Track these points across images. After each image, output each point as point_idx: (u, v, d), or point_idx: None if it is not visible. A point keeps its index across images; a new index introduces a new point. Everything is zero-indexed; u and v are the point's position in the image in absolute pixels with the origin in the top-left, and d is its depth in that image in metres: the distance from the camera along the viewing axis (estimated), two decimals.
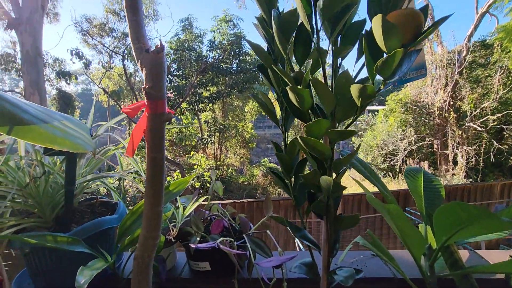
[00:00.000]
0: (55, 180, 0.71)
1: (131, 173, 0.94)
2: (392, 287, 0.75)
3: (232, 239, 0.69)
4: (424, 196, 0.75)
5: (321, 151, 0.45)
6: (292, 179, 0.63)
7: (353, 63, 0.50)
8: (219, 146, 11.07)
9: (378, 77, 0.39)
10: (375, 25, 0.33)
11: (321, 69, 0.49)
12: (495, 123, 8.47)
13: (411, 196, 0.74)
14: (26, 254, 0.61)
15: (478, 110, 8.67)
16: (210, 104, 10.13)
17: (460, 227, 0.50)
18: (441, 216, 0.51)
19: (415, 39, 0.35)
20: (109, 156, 0.84)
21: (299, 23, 0.46)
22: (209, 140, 10.42)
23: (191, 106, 9.49)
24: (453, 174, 8.98)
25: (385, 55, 0.34)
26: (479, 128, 8.64)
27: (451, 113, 9.17)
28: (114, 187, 0.87)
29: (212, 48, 10.20)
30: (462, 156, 8.93)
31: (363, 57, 0.42)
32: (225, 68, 9.93)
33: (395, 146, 10.23)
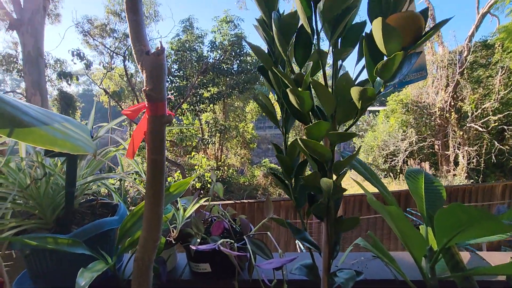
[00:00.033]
0: (55, 181, 0.71)
1: (133, 173, 0.94)
2: None
3: (233, 241, 0.69)
4: (425, 198, 0.74)
5: (321, 153, 0.44)
6: (293, 181, 0.63)
7: (354, 64, 0.50)
8: (220, 147, 11.07)
9: (378, 79, 0.39)
10: (375, 28, 0.33)
11: (321, 70, 0.48)
12: (496, 124, 8.45)
13: (412, 196, 0.74)
14: (26, 256, 0.61)
15: (479, 111, 8.65)
16: (211, 105, 10.14)
17: (461, 229, 0.50)
18: (442, 218, 0.51)
19: (415, 42, 0.35)
20: (110, 157, 0.84)
21: (299, 25, 0.46)
22: (210, 140, 10.43)
23: (192, 106, 9.51)
24: (454, 175, 8.95)
25: (385, 58, 0.34)
26: (480, 129, 8.62)
27: (452, 113, 9.15)
28: (115, 188, 0.87)
29: (213, 49, 10.21)
30: (463, 157, 8.91)
31: (364, 58, 0.42)
32: (226, 68, 9.94)
33: (396, 146, 10.21)
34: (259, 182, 10.66)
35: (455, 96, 9.10)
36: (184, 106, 9.43)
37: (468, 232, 0.50)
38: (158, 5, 11.18)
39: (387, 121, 11.16)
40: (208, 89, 9.88)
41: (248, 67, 10.00)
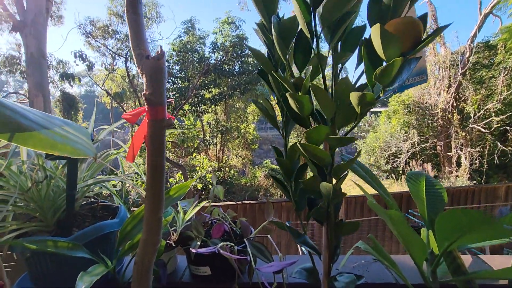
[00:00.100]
0: (56, 184, 0.71)
1: (134, 174, 0.95)
2: None
3: (233, 244, 0.69)
4: (426, 201, 0.74)
5: (321, 157, 0.44)
6: (293, 184, 0.63)
7: (356, 65, 0.49)
8: (221, 148, 11.08)
9: (378, 83, 0.39)
10: (374, 34, 0.33)
11: (321, 75, 0.48)
12: (499, 125, 8.40)
13: (413, 199, 0.73)
14: (27, 258, 0.62)
15: (481, 112, 8.60)
16: (213, 106, 10.16)
17: (462, 233, 0.50)
18: (443, 222, 0.51)
19: (415, 48, 0.35)
20: (112, 159, 0.84)
21: (299, 29, 0.46)
22: (211, 141, 10.44)
23: (193, 107, 9.52)
24: (456, 176, 8.91)
25: (384, 63, 0.34)
26: (483, 130, 8.57)
27: (454, 114, 9.11)
28: (116, 190, 0.87)
29: (214, 50, 10.23)
30: (465, 158, 8.86)
31: (363, 63, 0.41)
32: (227, 69, 9.95)
33: (398, 147, 10.18)
34: (260, 183, 10.64)
35: (457, 97, 9.07)
36: (186, 107, 9.45)
37: (469, 236, 0.50)
38: (160, 6, 11.23)
39: (389, 122, 11.13)
40: (210, 90, 9.89)
41: (250, 68, 10.01)
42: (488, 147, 8.70)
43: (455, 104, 9.08)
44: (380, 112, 12.88)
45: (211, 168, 9.48)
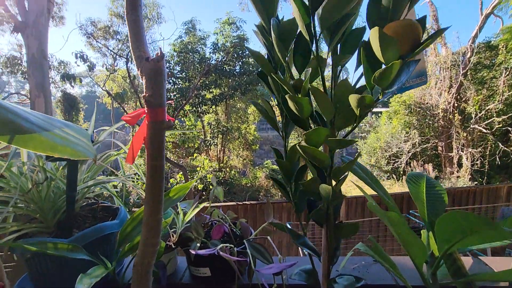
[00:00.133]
0: (57, 185, 0.71)
1: (134, 175, 0.95)
2: None
3: (232, 245, 0.69)
4: (426, 202, 0.74)
5: (320, 159, 0.44)
6: (293, 185, 0.63)
7: (355, 67, 0.49)
8: (222, 148, 11.09)
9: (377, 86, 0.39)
10: (372, 37, 0.33)
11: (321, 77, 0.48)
12: (501, 125, 8.37)
13: (414, 201, 0.73)
14: (27, 260, 0.62)
15: (483, 112, 8.58)
16: (213, 106, 10.17)
17: (462, 236, 0.50)
18: (443, 225, 0.51)
19: (414, 50, 0.35)
20: (112, 160, 0.84)
21: (298, 31, 0.46)
22: (212, 142, 10.45)
23: (194, 108, 9.53)
24: (458, 177, 8.89)
25: (383, 66, 0.34)
26: (484, 130, 8.55)
27: (455, 115, 9.09)
28: (117, 190, 0.87)
29: (215, 50, 10.24)
30: (467, 158, 8.84)
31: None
32: (228, 70, 9.96)
33: (399, 148, 10.16)
34: (261, 184, 10.65)
35: (458, 97, 9.05)
36: (187, 107, 9.46)
37: (469, 238, 0.50)
38: (160, 7, 11.26)
39: (390, 122, 11.11)
40: (211, 90, 9.90)
41: (250, 68, 10.01)
42: (489, 147, 8.68)
43: (456, 105, 9.06)
44: (381, 112, 12.86)
45: (211, 169, 9.48)
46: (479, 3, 8.71)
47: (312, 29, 0.42)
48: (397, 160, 10.20)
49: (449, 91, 9.08)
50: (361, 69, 0.47)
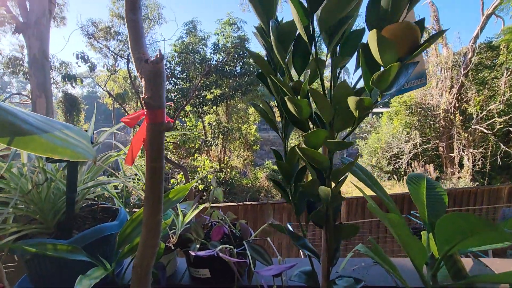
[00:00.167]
0: (57, 186, 0.71)
1: (135, 175, 0.95)
2: None
3: (232, 247, 0.69)
4: (426, 204, 0.74)
5: (319, 161, 0.44)
6: (292, 187, 0.63)
7: (354, 68, 0.49)
8: (223, 149, 11.09)
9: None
10: (371, 39, 0.33)
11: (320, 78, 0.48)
12: (502, 126, 8.35)
13: (414, 202, 0.73)
14: (27, 261, 0.62)
15: (484, 113, 8.56)
16: (214, 107, 10.17)
17: (462, 238, 0.50)
18: (443, 226, 0.51)
19: (412, 52, 0.35)
20: (112, 161, 0.84)
21: (297, 33, 0.46)
22: (212, 142, 10.45)
23: (195, 108, 9.54)
24: (459, 177, 8.86)
25: (382, 68, 0.34)
26: (485, 131, 8.53)
27: (456, 115, 9.07)
28: (117, 191, 0.87)
29: (216, 51, 10.25)
30: (468, 159, 8.82)
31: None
32: (229, 70, 9.97)
33: (400, 148, 10.14)
34: (261, 184, 10.64)
35: (459, 97, 9.03)
36: (187, 108, 9.46)
37: (469, 241, 0.50)
38: (161, 7, 11.27)
39: (391, 123, 11.09)
40: (211, 91, 9.91)
41: (251, 69, 10.01)
42: (490, 148, 8.65)
43: (457, 105, 9.04)
44: (381, 113, 12.84)
45: (212, 169, 9.49)
46: (480, 3, 8.70)
47: (311, 31, 0.42)
48: (398, 160, 10.18)
49: (450, 92, 9.06)
50: (360, 71, 0.47)
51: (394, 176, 10.39)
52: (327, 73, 0.50)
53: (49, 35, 5.79)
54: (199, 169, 9.25)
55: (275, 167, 11.76)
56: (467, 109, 8.95)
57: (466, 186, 7.63)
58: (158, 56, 0.47)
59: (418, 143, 9.82)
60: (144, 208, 0.50)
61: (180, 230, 0.71)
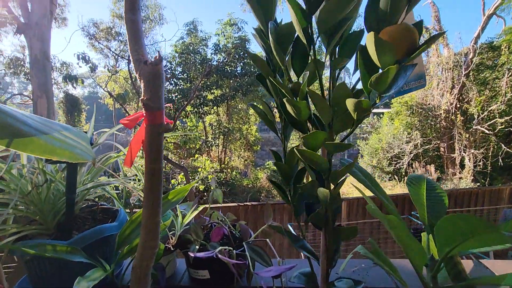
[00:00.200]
0: (56, 187, 0.71)
1: (134, 176, 0.95)
2: None
3: (231, 248, 0.69)
4: (426, 205, 0.73)
5: (318, 162, 0.44)
6: (292, 188, 0.63)
7: (353, 70, 0.49)
8: (224, 149, 11.09)
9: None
10: (368, 42, 0.33)
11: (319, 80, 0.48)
12: (503, 126, 8.33)
13: (414, 204, 0.73)
14: (26, 262, 0.62)
15: (485, 113, 8.54)
16: (215, 107, 10.17)
17: (462, 239, 0.50)
18: (442, 228, 0.50)
19: (410, 55, 0.35)
20: (113, 162, 0.85)
21: (296, 35, 0.46)
22: (213, 143, 10.46)
23: (195, 109, 9.54)
24: (460, 178, 8.84)
25: (380, 70, 0.34)
26: (486, 131, 8.50)
27: (458, 115, 9.05)
28: (118, 192, 0.88)
29: (216, 51, 10.26)
30: (469, 160, 8.79)
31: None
32: (229, 71, 9.97)
33: (401, 149, 10.12)
34: (262, 185, 10.64)
35: (460, 98, 9.01)
36: (188, 108, 9.47)
37: (469, 242, 0.49)
38: (162, 8, 11.29)
39: (392, 123, 11.08)
40: (212, 91, 9.92)
41: (252, 69, 10.01)
42: (492, 148, 8.62)
43: (458, 106, 9.02)
44: (382, 113, 12.83)
45: (213, 170, 9.49)
46: (481, 3, 8.68)
47: (310, 32, 0.42)
48: (399, 161, 10.16)
49: (451, 92, 9.05)
50: (359, 73, 0.47)
51: (395, 176, 10.37)
52: (327, 73, 0.50)
53: (50, 36, 5.81)
54: (199, 169, 9.25)
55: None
56: (468, 110, 8.93)
57: (467, 187, 7.61)
58: (157, 57, 0.47)
59: (419, 144, 9.80)
60: (143, 210, 0.50)
61: (180, 231, 0.71)
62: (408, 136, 10.12)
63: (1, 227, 0.64)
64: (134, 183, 0.89)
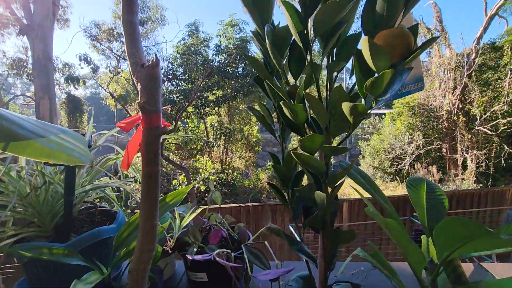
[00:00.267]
0: (55, 189, 0.71)
1: (133, 178, 0.95)
2: None
3: (229, 251, 0.68)
4: (426, 208, 0.73)
5: (315, 166, 0.44)
6: (290, 191, 0.62)
7: (350, 74, 0.49)
8: (225, 150, 11.10)
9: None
10: (363, 46, 0.33)
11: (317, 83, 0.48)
12: (506, 127, 8.28)
13: (414, 207, 0.72)
14: (25, 264, 0.62)
15: (488, 114, 8.49)
16: (216, 108, 10.18)
17: (461, 243, 0.49)
18: (441, 233, 0.50)
19: (405, 58, 0.34)
20: (112, 163, 0.85)
21: (292, 38, 0.46)
22: (214, 143, 10.46)
23: (197, 109, 9.56)
24: (462, 179, 8.79)
25: (376, 74, 0.34)
26: (489, 132, 8.46)
27: (460, 116, 9.01)
28: (118, 193, 0.88)
29: (218, 52, 10.28)
30: (471, 161, 8.75)
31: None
32: (231, 72, 9.98)
33: (403, 150, 10.08)
34: (263, 185, 10.63)
35: (463, 99, 8.97)
36: (190, 109, 9.49)
37: (468, 246, 0.49)
38: (164, 9, 11.34)
39: (393, 124, 11.04)
40: (213, 92, 9.93)
41: (253, 70, 10.00)
42: (494, 149, 8.57)
43: (460, 106, 8.98)
44: (384, 114, 12.79)
45: (214, 170, 9.49)
46: (483, 4, 8.64)
47: (306, 36, 0.42)
48: (400, 162, 10.12)
49: (453, 93, 9.01)
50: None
51: (397, 177, 10.33)
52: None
53: (53, 37, 5.84)
54: (201, 170, 9.26)
55: None
56: (471, 110, 8.89)
57: (469, 188, 7.57)
58: (154, 60, 0.47)
59: (421, 145, 9.76)
60: (140, 212, 0.50)
61: (178, 233, 0.71)
62: (410, 137, 10.08)
63: (0, 229, 0.64)
64: (135, 184, 0.89)
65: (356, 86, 0.48)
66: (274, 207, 4.72)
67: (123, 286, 0.69)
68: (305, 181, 0.64)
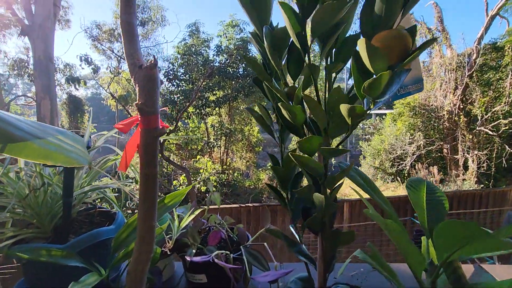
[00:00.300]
0: (54, 191, 0.71)
1: (132, 179, 0.95)
2: None
3: (228, 252, 0.68)
4: (426, 209, 0.73)
5: (314, 167, 0.44)
6: (289, 192, 0.62)
7: (348, 75, 0.49)
8: (225, 150, 11.09)
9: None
10: (360, 48, 0.33)
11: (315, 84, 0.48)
12: (507, 127, 8.25)
13: (414, 208, 0.72)
14: (23, 265, 0.62)
15: (489, 114, 8.47)
16: (217, 108, 10.19)
17: (461, 245, 0.49)
18: (441, 234, 0.50)
19: (403, 60, 0.34)
20: (112, 164, 0.85)
21: (291, 39, 0.45)
22: (215, 144, 10.46)
23: (197, 110, 9.57)
24: (463, 180, 8.76)
25: (374, 75, 0.33)
26: (490, 132, 8.43)
27: (461, 117, 8.99)
28: (118, 194, 0.88)
29: (218, 53, 10.29)
30: (473, 161, 8.72)
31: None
32: (231, 72, 9.99)
33: (404, 150, 10.06)
34: (264, 186, 10.61)
35: (464, 99, 8.95)
36: (190, 109, 9.50)
37: (468, 248, 0.49)
38: (164, 10, 11.35)
39: (394, 124, 11.02)
40: (214, 92, 9.94)
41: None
42: (496, 150, 8.55)
43: (461, 107, 8.96)
44: (385, 114, 12.77)
45: (214, 171, 9.49)
46: (484, 4, 8.62)
47: (304, 37, 0.42)
48: (401, 162, 10.10)
49: (454, 93, 8.99)
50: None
51: (398, 178, 10.31)
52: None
53: (54, 38, 5.85)
54: (201, 170, 9.26)
55: None
56: (472, 111, 8.87)
57: (470, 189, 7.55)
58: (152, 61, 0.47)
59: (422, 145, 9.74)
60: (138, 214, 0.50)
61: (176, 235, 0.71)
62: (410, 137, 10.06)
63: None
64: (134, 185, 0.89)
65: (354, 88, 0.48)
66: (275, 208, 4.71)
67: (121, 287, 0.69)
68: (304, 182, 0.63)
